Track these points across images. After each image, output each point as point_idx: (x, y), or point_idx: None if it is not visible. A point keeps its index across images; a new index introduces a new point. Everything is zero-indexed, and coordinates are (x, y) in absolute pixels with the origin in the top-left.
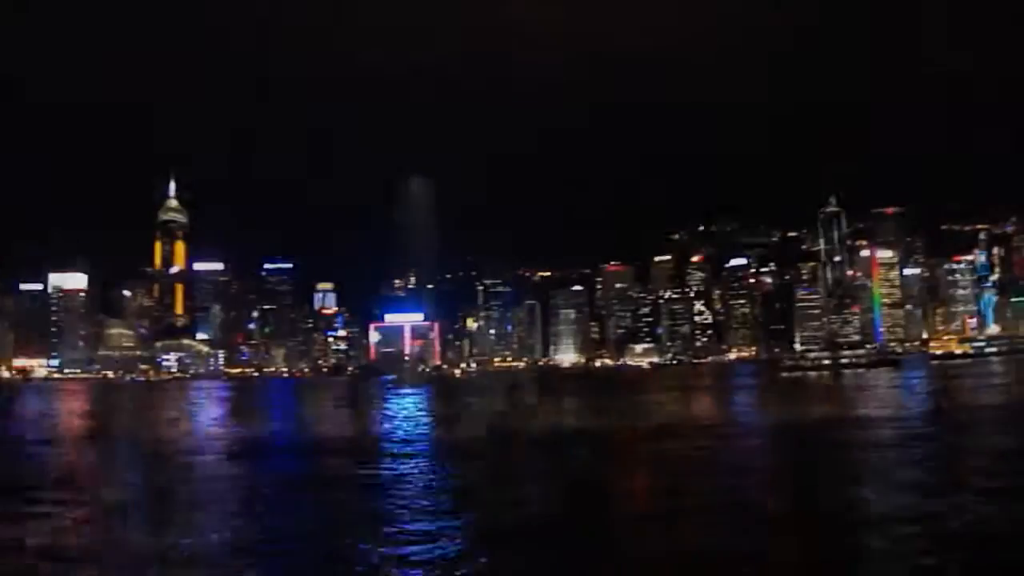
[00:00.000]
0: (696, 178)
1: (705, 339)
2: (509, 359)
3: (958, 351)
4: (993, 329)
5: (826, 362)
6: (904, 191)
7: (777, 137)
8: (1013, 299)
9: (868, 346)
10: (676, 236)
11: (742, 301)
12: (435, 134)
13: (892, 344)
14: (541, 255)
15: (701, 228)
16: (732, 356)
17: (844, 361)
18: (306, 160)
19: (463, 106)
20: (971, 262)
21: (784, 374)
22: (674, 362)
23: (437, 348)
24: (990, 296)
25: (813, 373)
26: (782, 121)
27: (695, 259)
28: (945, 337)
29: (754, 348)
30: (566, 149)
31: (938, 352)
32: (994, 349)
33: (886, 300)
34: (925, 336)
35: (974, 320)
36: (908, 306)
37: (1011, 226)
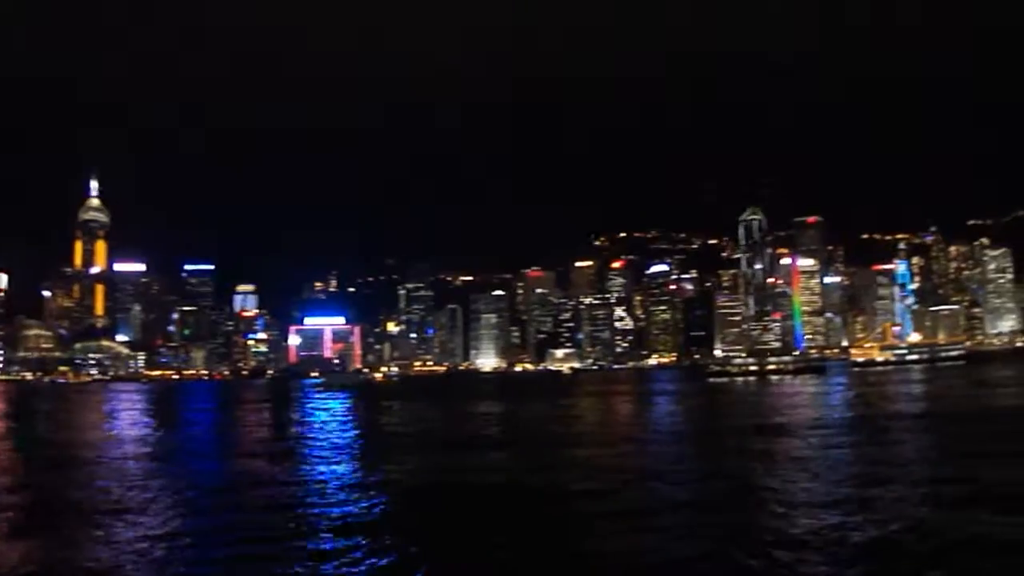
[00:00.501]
0: (619, 184)
1: (626, 345)
2: (430, 363)
3: (880, 358)
4: (914, 337)
5: (753, 368)
6: (825, 201)
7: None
8: (932, 308)
9: (795, 353)
10: (598, 242)
11: (663, 307)
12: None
13: (812, 351)
14: (463, 259)
15: (623, 234)
16: (652, 362)
17: (771, 368)
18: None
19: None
20: (891, 271)
21: (711, 380)
22: (595, 367)
23: (358, 351)
24: (910, 304)
25: (740, 379)
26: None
27: (616, 265)
28: (866, 344)
29: (675, 354)
30: (486, 153)
31: (860, 359)
32: (915, 357)
33: (806, 308)
34: (845, 343)
35: (895, 328)
36: (828, 314)
37: (930, 236)
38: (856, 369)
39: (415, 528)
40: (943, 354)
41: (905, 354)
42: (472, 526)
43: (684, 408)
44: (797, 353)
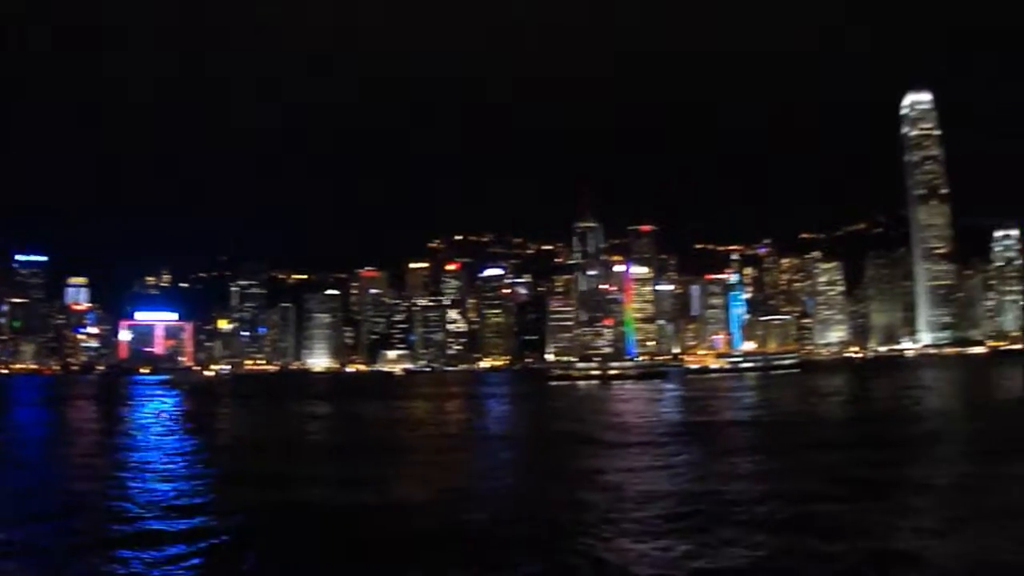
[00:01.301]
0: (455, 188)
1: (459, 347)
2: (261, 362)
3: (714, 365)
4: (748, 345)
5: (595, 372)
6: (661, 210)
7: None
8: (763, 318)
9: (641, 358)
10: (433, 243)
11: (496, 311)
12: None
13: (643, 357)
14: (297, 257)
15: (458, 237)
16: (485, 364)
17: (613, 372)
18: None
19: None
20: (723, 281)
21: (552, 383)
22: (427, 369)
23: (189, 348)
24: (741, 314)
25: (582, 383)
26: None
27: (451, 267)
28: (701, 352)
29: (507, 357)
30: (328, 151)
31: (695, 366)
32: (750, 364)
33: (639, 315)
34: (677, 351)
35: (720, 337)
36: (660, 321)
37: (763, 248)
38: (690, 376)
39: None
40: (777, 362)
41: (739, 362)
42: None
43: (519, 413)
44: (645, 357)
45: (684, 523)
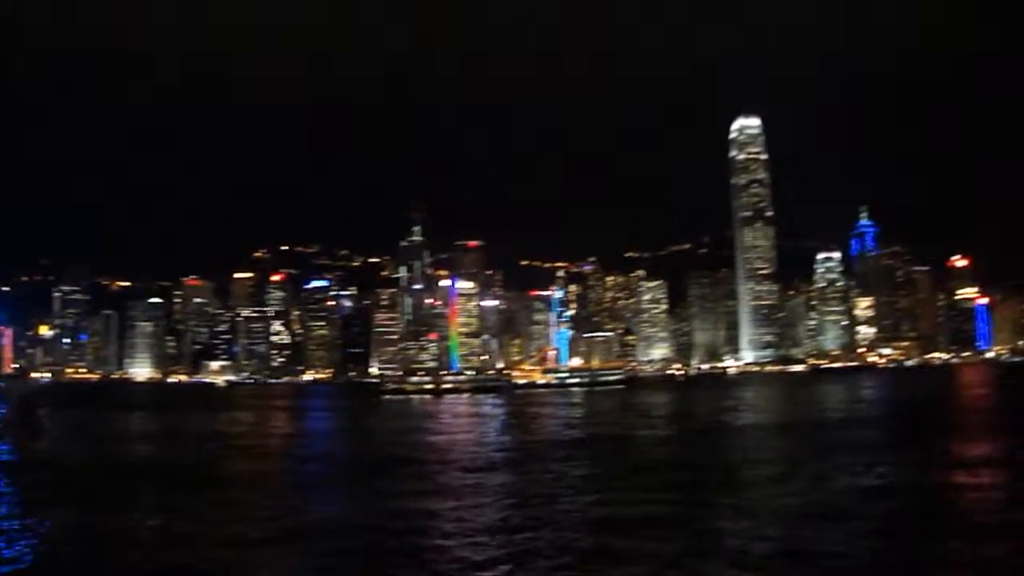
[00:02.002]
0: (282, 198)
1: (282, 359)
2: (83, 370)
3: (541, 381)
4: (575, 361)
5: (429, 386)
6: (487, 226)
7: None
8: (587, 334)
9: (474, 371)
10: (258, 254)
11: (321, 323)
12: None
13: (468, 372)
14: (122, 264)
15: (285, 248)
16: (308, 377)
17: (447, 386)
18: None
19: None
20: (548, 297)
21: (387, 397)
22: (250, 381)
23: (8, 355)
24: (566, 330)
25: (416, 397)
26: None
27: (276, 278)
28: (528, 367)
29: (331, 370)
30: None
31: (522, 381)
32: (576, 380)
33: (463, 329)
34: (501, 366)
35: (552, 352)
36: (485, 336)
37: (589, 266)
38: (519, 391)
39: None
40: (603, 378)
41: (566, 377)
42: None
43: (343, 431)
44: (480, 372)
45: None
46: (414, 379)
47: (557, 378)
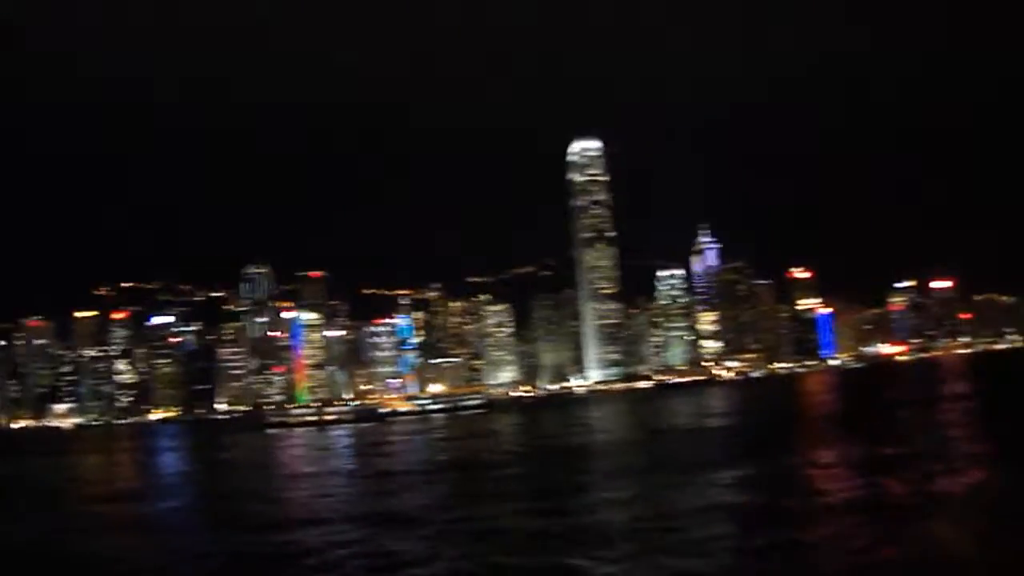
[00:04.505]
0: (123, 234)
1: (128, 399)
2: None
3: (404, 408)
4: (436, 387)
5: (311, 418)
6: (330, 256)
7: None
8: (434, 360)
9: (356, 403)
10: (100, 291)
11: (165, 360)
12: None
13: (316, 403)
14: None
15: (128, 284)
16: (155, 416)
17: (330, 417)
18: None
19: None
20: (393, 325)
21: (270, 431)
22: (97, 423)
23: None
24: (412, 357)
25: (300, 429)
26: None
27: (118, 316)
28: (390, 396)
29: (178, 408)
30: None
31: (385, 410)
32: (439, 406)
33: (309, 361)
34: (348, 396)
35: (397, 381)
36: (331, 367)
37: (432, 292)
38: (389, 419)
39: None
40: (464, 403)
41: (428, 404)
42: None
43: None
44: (360, 403)
45: None
46: (296, 411)
47: (419, 405)
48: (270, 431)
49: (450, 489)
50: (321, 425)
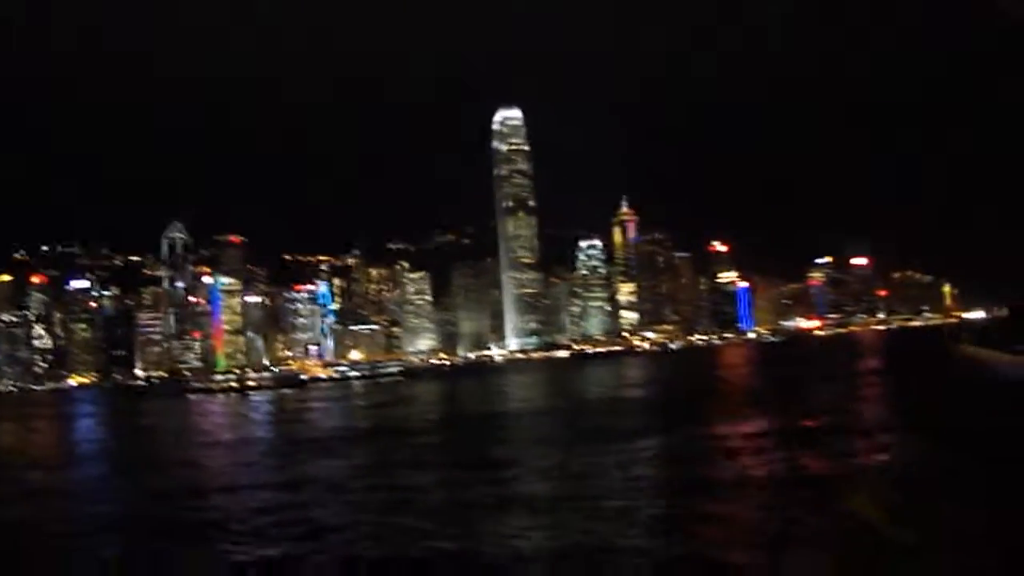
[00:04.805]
0: (42, 196)
1: (45, 365)
2: None
3: (323, 375)
4: (354, 354)
5: (234, 384)
6: (249, 220)
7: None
8: (352, 327)
9: (281, 368)
10: (17, 255)
11: (83, 325)
12: None
13: (236, 370)
14: None
15: (44, 248)
16: (73, 382)
17: (251, 383)
18: None
19: None
20: (312, 291)
21: (191, 396)
22: (13, 389)
23: None
24: (331, 324)
25: (221, 395)
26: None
27: (36, 280)
28: (310, 362)
29: (96, 374)
30: None
31: (305, 377)
32: (357, 373)
33: (227, 327)
34: (267, 362)
35: (316, 347)
36: (249, 333)
37: (352, 258)
38: (310, 386)
39: None
40: (383, 371)
41: (347, 371)
42: None
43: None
44: (284, 368)
45: None
46: (219, 377)
47: (339, 372)
48: (192, 397)
49: (370, 457)
50: (243, 391)
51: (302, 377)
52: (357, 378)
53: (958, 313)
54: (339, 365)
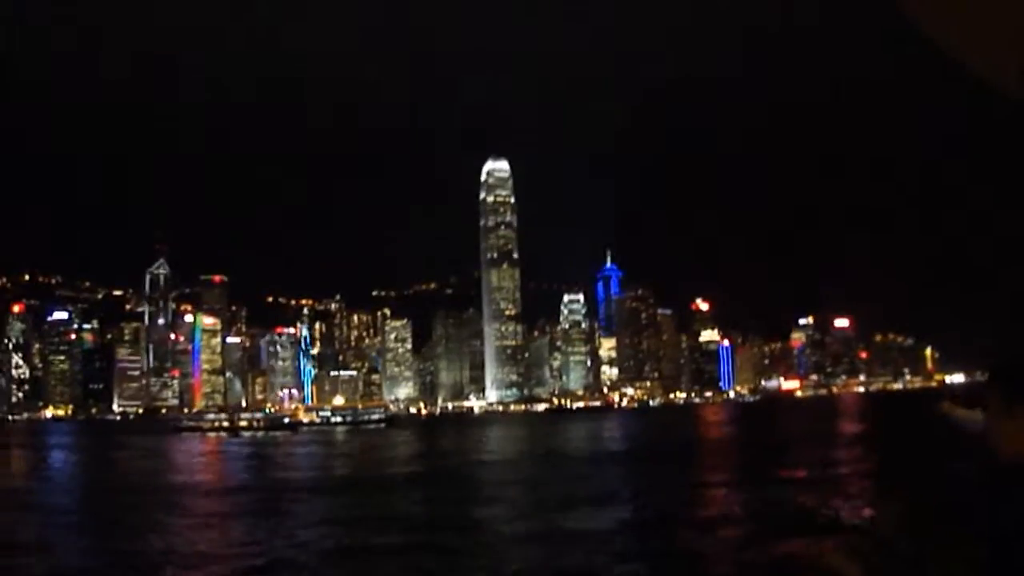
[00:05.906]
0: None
1: (21, 395)
2: None
3: (305, 419)
4: (337, 400)
5: (225, 424)
6: (232, 261)
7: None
8: (332, 372)
9: (269, 410)
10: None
11: (62, 357)
12: None
13: (212, 408)
14: None
15: (26, 277)
16: (48, 414)
17: (243, 424)
18: None
19: None
20: (293, 335)
21: (183, 434)
22: None
23: None
24: (310, 368)
25: (212, 434)
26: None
27: (16, 309)
28: (293, 406)
29: (72, 406)
30: None
31: (288, 420)
32: (340, 419)
33: (207, 366)
34: (244, 404)
35: (294, 391)
36: (228, 374)
37: (334, 303)
38: (279, 432)
39: None
40: (366, 417)
41: (329, 416)
42: None
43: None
44: (274, 410)
45: None
46: (210, 416)
47: (321, 416)
48: (184, 435)
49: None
50: (234, 431)
51: (289, 421)
52: (341, 424)
53: (940, 376)
54: (322, 410)
